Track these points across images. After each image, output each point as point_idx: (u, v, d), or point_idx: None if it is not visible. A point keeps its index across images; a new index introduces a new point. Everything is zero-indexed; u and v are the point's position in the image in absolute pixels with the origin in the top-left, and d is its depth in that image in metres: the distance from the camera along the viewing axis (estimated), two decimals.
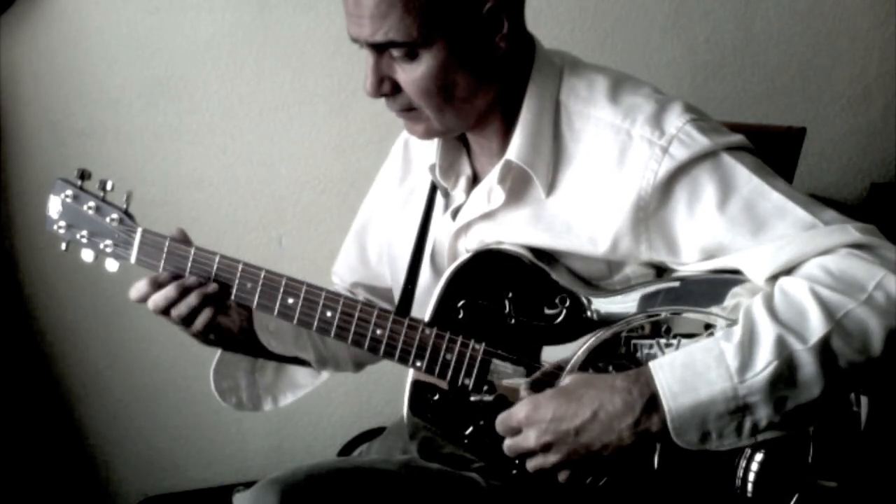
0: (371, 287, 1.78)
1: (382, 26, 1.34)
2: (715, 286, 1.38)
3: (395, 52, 1.38)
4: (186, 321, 1.52)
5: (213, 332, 1.56)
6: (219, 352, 1.67)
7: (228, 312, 1.58)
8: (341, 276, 1.81)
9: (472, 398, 1.47)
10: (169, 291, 1.51)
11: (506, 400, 1.43)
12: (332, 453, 2.46)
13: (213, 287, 1.52)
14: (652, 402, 1.27)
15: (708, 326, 1.36)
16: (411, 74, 1.39)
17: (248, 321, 1.61)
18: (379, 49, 1.38)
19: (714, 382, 1.24)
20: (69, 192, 1.57)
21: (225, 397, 1.70)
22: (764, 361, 1.23)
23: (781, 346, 1.23)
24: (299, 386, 1.77)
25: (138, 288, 1.53)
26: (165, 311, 1.52)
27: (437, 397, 1.48)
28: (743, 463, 1.35)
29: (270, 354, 1.66)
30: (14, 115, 2.42)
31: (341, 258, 1.83)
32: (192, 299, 1.51)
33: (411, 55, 1.37)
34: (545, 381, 1.42)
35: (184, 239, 1.55)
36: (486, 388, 1.46)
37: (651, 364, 1.28)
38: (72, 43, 2.38)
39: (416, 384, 1.50)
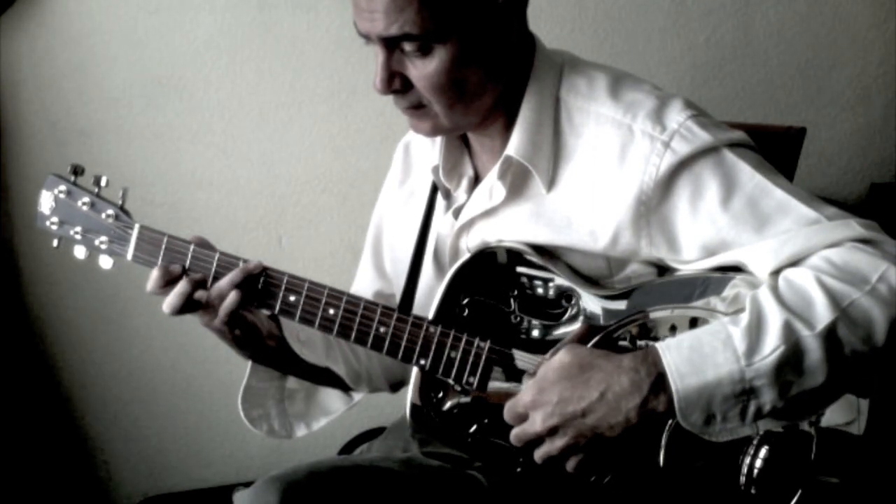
0: (388, 296, 1.76)
1: (398, 20, 1.34)
2: (715, 283, 1.38)
3: (408, 47, 1.38)
4: (213, 304, 1.49)
5: (238, 325, 1.53)
6: (245, 378, 1.65)
7: (253, 311, 1.55)
8: (362, 291, 1.79)
9: (475, 396, 1.46)
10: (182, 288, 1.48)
11: (506, 398, 1.43)
12: (332, 453, 2.45)
13: (253, 264, 1.49)
14: (659, 382, 1.27)
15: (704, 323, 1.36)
16: (424, 70, 1.39)
17: (278, 329, 1.60)
18: (391, 44, 1.38)
19: (721, 365, 1.25)
20: (62, 187, 1.54)
21: (256, 425, 1.69)
22: (771, 346, 1.24)
23: (789, 331, 1.24)
24: (331, 411, 1.75)
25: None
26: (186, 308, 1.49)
27: (440, 395, 1.48)
28: (747, 460, 1.35)
29: (301, 368, 1.65)
30: (14, 115, 2.41)
31: (359, 273, 1.82)
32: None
33: (424, 50, 1.37)
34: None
35: (204, 243, 1.53)
36: (488, 387, 1.46)
37: (658, 345, 1.29)
38: (72, 43, 2.38)
39: (420, 382, 1.49)
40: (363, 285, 1.80)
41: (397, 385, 1.80)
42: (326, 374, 1.70)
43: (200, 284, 1.49)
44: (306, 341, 1.64)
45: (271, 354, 1.62)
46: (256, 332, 1.57)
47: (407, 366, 1.71)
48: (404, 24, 1.34)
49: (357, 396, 1.78)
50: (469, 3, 1.36)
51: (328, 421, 1.75)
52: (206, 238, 1.55)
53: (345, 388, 1.75)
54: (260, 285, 1.49)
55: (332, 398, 1.75)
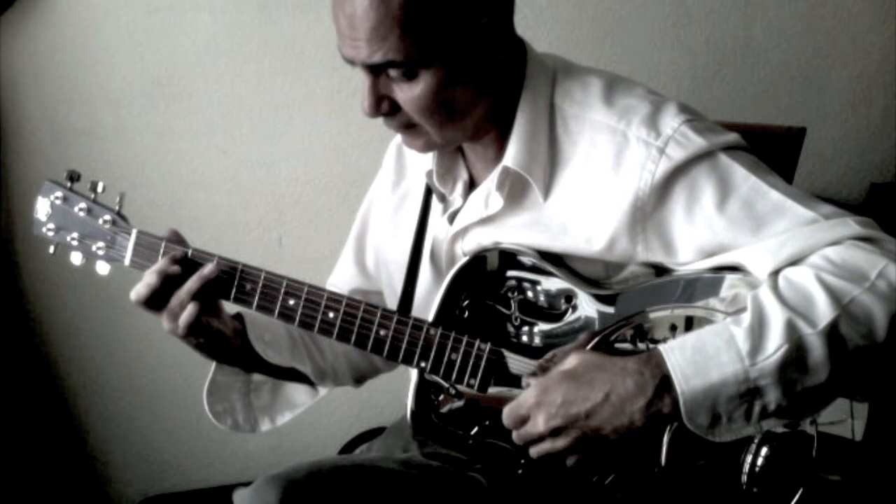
0: (367, 292, 1.76)
1: (381, 48, 1.33)
2: (714, 283, 1.38)
3: (393, 73, 1.37)
4: (172, 314, 1.47)
5: (201, 334, 1.51)
6: (210, 373, 1.64)
7: (219, 315, 1.54)
8: (339, 286, 1.79)
9: (476, 398, 1.46)
10: (150, 278, 1.46)
11: (508, 399, 1.43)
12: (332, 453, 2.46)
13: (209, 269, 1.47)
14: (664, 384, 1.27)
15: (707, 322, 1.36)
16: (410, 93, 1.38)
17: (243, 329, 1.58)
18: (376, 70, 1.37)
19: (725, 365, 1.25)
20: (58, 193, 1.53)
21: (220, 419, 1.67)
22: (775, 345, 1.24)
23: (791, 329, 1.24)
24: (297, 405, 1.74)
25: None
26: (151, 302, 1.47)
27: (440, 397, 1.48)
28: (748, 459, 1.36)
29: (267, 367, 1.64)
30: (14, 115, 2.42)
31: (338, 267, 1.82)
32: (188, 286, 1.46)
33: (410, 75, 1.36)
34: (550, 368, 1.41)
35: (178, 240, 1.52)
36: (489, 388, 1.46)
37: (661, 347, 1.29)
38: (72, 43, 2.38)
39: (420, 384, 1.49)
40: (342, 279, 1.79)
41: (362, 379, 1.80)
42: (291, 372, 1.68)
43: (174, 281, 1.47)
44: (271, 342, 1.62)
45: (236, 356, 1.61)
46: (221, 339, 1.56)
47: (372, 361, 1.72)
48: (388, 52, 1.33)
49: (323, 391, 1.77)
50: (452, 26, 1.35)
51: (293, 416, 1.74)
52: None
53: (310, 383, 1.74)
54: (259, 289, 1.48)
55: (298, 391, 1.74)
